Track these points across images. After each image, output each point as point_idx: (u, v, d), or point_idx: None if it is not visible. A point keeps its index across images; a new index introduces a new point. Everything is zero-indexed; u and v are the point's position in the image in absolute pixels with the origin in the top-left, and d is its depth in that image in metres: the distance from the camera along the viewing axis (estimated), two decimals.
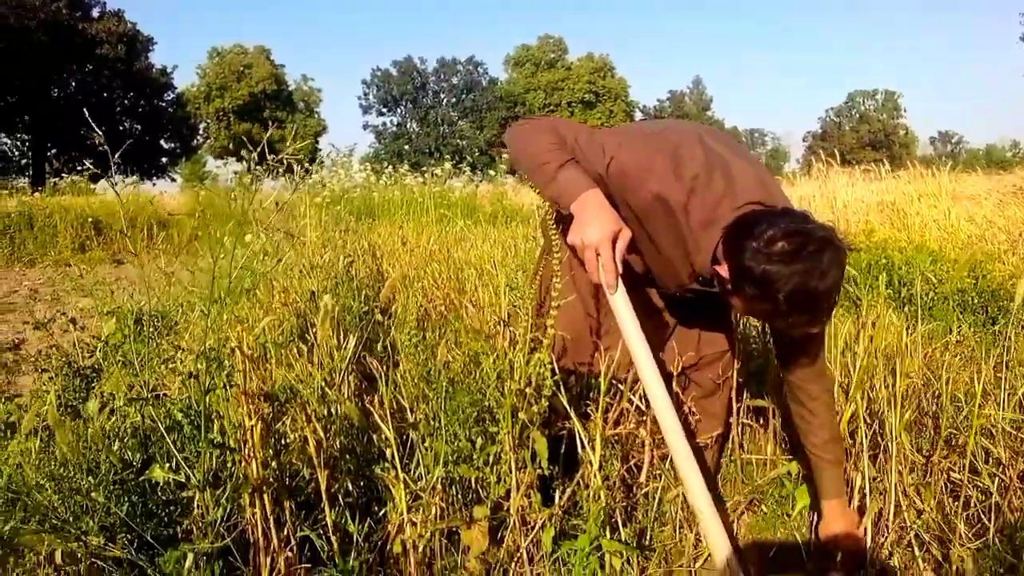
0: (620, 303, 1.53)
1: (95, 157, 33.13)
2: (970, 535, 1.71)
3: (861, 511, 1.80)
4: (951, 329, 3.13)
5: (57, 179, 13.71)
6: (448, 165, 12.76)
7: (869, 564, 1.71)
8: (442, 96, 60.01)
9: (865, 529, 1.75)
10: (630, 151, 1.58)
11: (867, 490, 1.79)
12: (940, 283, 4.03)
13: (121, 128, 34.95)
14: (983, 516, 1.75)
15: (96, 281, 6.49)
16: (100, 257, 9.52)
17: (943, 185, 7.39)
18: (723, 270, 1.46)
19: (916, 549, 1.73)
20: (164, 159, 38.13)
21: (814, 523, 1.89)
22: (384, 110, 60.35)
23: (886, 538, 1.77)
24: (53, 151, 32.84)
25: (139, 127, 36.11)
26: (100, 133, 1.55)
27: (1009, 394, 1.98)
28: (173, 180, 38.40)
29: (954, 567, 1.67)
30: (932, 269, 4.22)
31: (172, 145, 38.72)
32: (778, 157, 75.90)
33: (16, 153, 33.94)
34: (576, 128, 1.67)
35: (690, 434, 1.98)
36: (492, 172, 14.00)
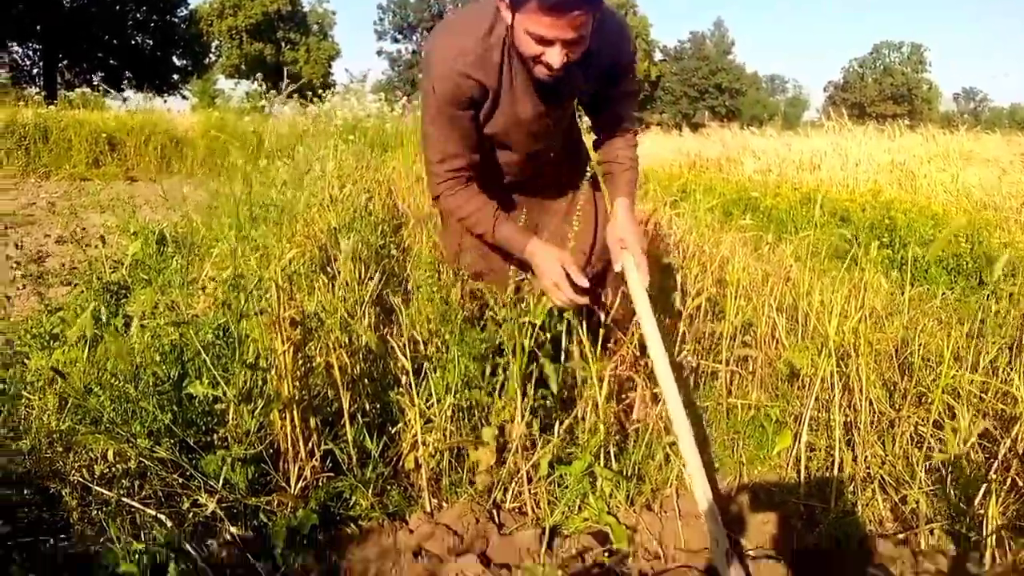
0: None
1: (106, 70, 32.80)
2: (928, 482, 1.88)
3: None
4: (941, 293, 3.27)
5: (68, 92, 13.69)
6: None
7: (833, 503, 1.88)
8: None
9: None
10: (433, 74, 1.76)
11: (837, 436, 1.96)
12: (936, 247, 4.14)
13: (133, 42, 34.44)
14: (942, 467, 1.92)
15: (112, 198, 6.62)
16: (114, 173, 9.63)
17: (955, 148, 7.39)
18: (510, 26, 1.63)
19: (878, 490, 1.90)
20: (175, 76, 37.59)
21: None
22: (399, 36, 59.26)
23: (853, 478, 1.94)
24: (64, 62, 32.44)
25: (151, 42, 35.52)
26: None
27: (982, 357, 2.14)
28: (184, 98, 37.90)
29: (909, 508, 1.85)
30: (932, 233, 4.33)
31: (184, 62, 38.08)
32: (797, 105, 74.59)
33: (28, 62, 33.45)
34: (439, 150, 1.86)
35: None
36: None
